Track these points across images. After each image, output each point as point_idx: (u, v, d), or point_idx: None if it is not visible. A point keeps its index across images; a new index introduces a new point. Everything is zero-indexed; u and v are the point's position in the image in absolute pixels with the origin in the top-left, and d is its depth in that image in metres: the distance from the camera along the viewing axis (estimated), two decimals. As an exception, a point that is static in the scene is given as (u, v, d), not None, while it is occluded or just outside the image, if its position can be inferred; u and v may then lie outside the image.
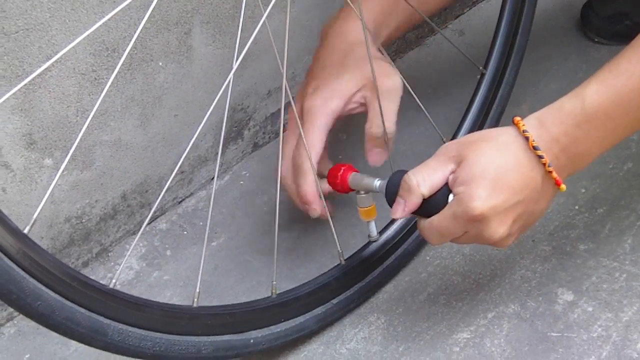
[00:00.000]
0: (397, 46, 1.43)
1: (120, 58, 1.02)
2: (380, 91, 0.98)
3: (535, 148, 0.85)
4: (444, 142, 1.02)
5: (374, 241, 1.05)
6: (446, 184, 0.88)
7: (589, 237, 1.11)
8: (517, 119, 0.87)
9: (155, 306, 0.87)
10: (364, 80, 0.99)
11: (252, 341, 0.95)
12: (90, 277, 0.84)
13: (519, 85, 1.19)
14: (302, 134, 0.98)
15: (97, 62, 1.03)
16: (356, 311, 1.06)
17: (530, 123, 0.87)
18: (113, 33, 1.03)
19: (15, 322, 1.08)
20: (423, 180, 0.88)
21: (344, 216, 1.11)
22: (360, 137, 1.03)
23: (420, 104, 1.02)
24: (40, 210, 0.75)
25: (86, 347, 0.82)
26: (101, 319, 0.81)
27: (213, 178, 1.25)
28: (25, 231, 0.75)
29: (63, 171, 1.05)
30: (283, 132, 1.03)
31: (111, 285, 0.83)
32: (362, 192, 0.97)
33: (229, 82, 0.86)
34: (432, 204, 0.89)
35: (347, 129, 1.22)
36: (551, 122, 0.86)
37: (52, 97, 1.00)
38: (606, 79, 0.85)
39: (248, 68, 1.22)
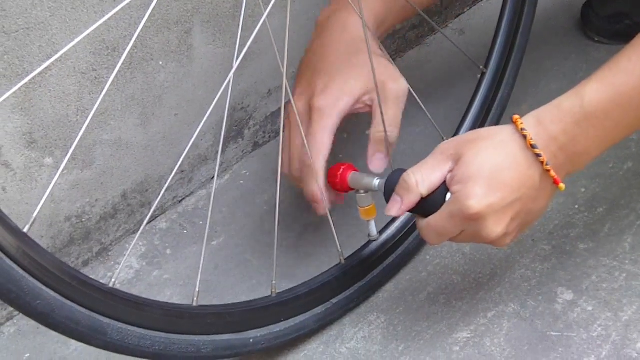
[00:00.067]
0: (397, 45, 1.43)
1: (120, 57, 1.02)
2: (387, 95, 0.97)
3: (533, 146, 0.85)
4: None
5: (374, 240, 1.05)
6: (444, 182, 0.88)
7: (589, 237, 1.11)
8: (516, 117, 0.87)
9: (154, 305, 0.87)
10: (372, 82, 0.98)
11: (251, 340, 0.95)
12: (91, 276, 0.84)
13: (519, 85, 1.19)
14: (310, 132, 0.96)
15: (98, 61, 1.03)
16: (356, 310, 1.06)
17: (529, 121, 0.87)
18: (113, 32, 1.03)
19: (15, 321, 1.08)
20: (422, 179, 0.88)
21: (343, 215, 1.11)
22: (359, 136, 1.03)
23: (420, 102, 1.02)
24: (41, 209, 0.75)
25: (86, 346, 0.82)
26: (101, 318, 0.80)
27: (213, 177, 1.25)
28: (25, 230, 0.75)
29: (63, 170, 1.06)
30: (284, 129, 1.02)
31: (111, 285, 0.83)
32: (362, 191, 0.97)
33: (229, 81, 0.86)
34: (429, 203, 0.89)
35: (348, 128, 1.22)
36: (550, 120, 0.86)
37: (53, 96, 1.01)
38: (606, 78, 0.85)
39: (248, 67, 1.22)
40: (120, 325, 0.82)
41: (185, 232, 1.19)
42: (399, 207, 0.90)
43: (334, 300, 1.03)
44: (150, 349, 0.85)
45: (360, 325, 1.04)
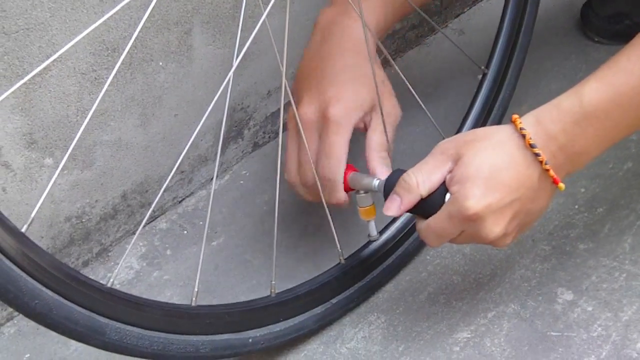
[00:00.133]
0: (397, 45, 1.43)
1: (120, 57, 1.02)
2: (384, 114, 0.98)
3: (531, 146, 0.85)
4: (444, 141, 1.02)
5: (374, 241, 1.05)
6: (443, 183, 0.88)
7: (589, 237, 1.10)
8: (515, 116, 0.87)
9: (153, 305, 0.87)
10: (375, 100, 0.97)
11: (250, 340, 0.95)
12: (90, 276, 0.84)
13: (519, 85, 1.19)
14: (328, 143, 0.95)
15: (98, 62, 1.03)
16: (356, 310, 1.06)
17: (528, 120, 0.86)
18: (113, 32, 1.03)
19: (15, 321, 1.09)
20: (423, 180, 0.88)
21: (343, 216, 1.11)
22: (359, 136, 1.02)
23: (420, 102, 1.02)
24: (41, 209, 0.76)
25: (86, 346, 0.82)
26: (99, 317, 0.80)
27: (213, 178, 1.25)
28: (23, 230, 0.75)
29: (63, 171, 1.06)
30: (288, 137, 1.01)
31: (109, 285, 0.83)
32: (362, 191, 0.97)
33: (229, 81, 0.86)
34: (428, 204, 0.89)
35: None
36: (549, 120, 0.86)
37: (53, 96, 1.01)
38: (605, 77, 0.85)
39: (248, 67, 1.22)
40: (119, 325, 0.82)
41: (185, 232, 1.19)
42: (397, 207, 0.89)
43: (334, 301, 1.03)
44: (148, 349, 0.85)
45: (360, 325, 1.04)
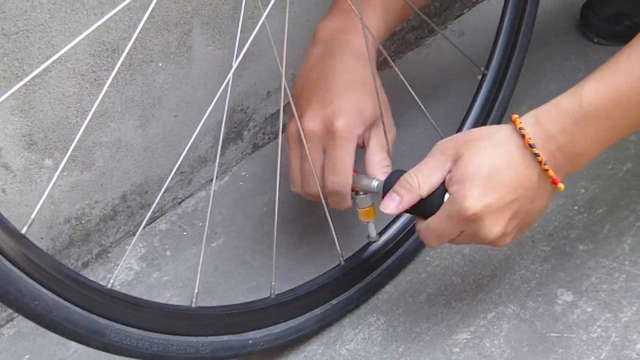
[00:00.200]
0: (397, 46, 1.43)
1: (120, 59, 1.02)
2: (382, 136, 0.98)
3: (531, 146, 0.85)
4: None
5: (374, 242, 1.05)
6: (442, 183, 0.88)
7: (589, 238, 1.10)
8: (515, 116, 0.87)
9: (153, 306, 0.87)
10: (375, 118, 0.97)
11: (250, 342, 0.95)
12: (90, 278, 0.84)
13: (519, 86, 1.19)
14: (334, 156, 0.95)
15: (97, 63, 1.03)
16: (356, 312, 1.06)
17: (527, 120, 0.86)
18: (113, 34, 1.03)
19: (15, 323, 1.08)
20: (423, 181, 0.88)
21: (343, 217, 1.11)
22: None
23: (420, 103, 1.02)
24: (40, 211, 0.76)
25: (85, 348, 0.82)
26: (99, 319, 0.80)
27: (213, 179, 1.25)
28: (23, 231, 0.75)
29: (63, 172, 1.06)
30: (288, 148, 1.00)
31: (109, 286, 0.83)
32: (361, 192, 0.97)
33: (229, 82, 0.86)
34: (427, 204, 0.89)
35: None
36: (548, 120, 0.86)
37: (52, 97, 1.01)
38: (604, 77, 0.85)
39: (247, 69, 1.22)
40: (119, 326, 0.82)
41: (185, 233, 1.19)
42: (396, 205, 0.89)
43: (334, 302, 1.03)
44: (148, 350, 0.85)
45: (360, 326, 1.04)
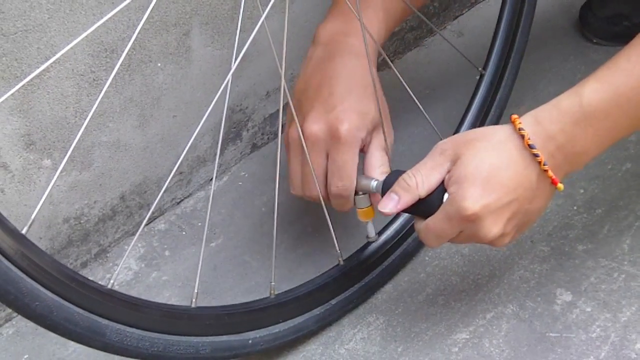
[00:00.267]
0: (396, 47, 1.43)
1: (118, 59, 1.02)
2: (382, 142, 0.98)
3: (530, 146, 0.85)
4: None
5: (373, 242, 1.05)
6: (441, 183, 0.88)
7: (588, 238, 1.11)
8: (514, 116, 0.87)
9: (153, 306, 0.87)
10: (376, 122, 0.97)
11: (250, 342, 0.95)
12: (89, 277, 0.84)
13: (518, 86, 1.19)
14: (338, 161, 0.95)
15: (96, 63, 1.03)
16: (355, 312, 1.06)
17: (527, 120, 0.86)
18: (112, 34, 1.03)
19: (14, 322, 1.08)
20: (422, 181, 0.88)
21: (342, 217, 1.11)
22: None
23: (418, 104, 1.02)
24: (39, 210, 0.75)
25: (85, 347, 0.82)
26: (99, 319, 0.80)
27: (212, 179, 1.25)
28: (23, 232, 0.75)
29: (62, 172, 1.06)
30: (289, 151, 1.00)
31: (109, 286, 0.83)
32: (360, 192, 0.97)
33: (228, 82, 0.86)
34: (427, 204, 0.89)
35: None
36: (548, 120, 0.86)
37: (51, 98, 1.01)
38: (605, 77, 0.85)
39: (247, 69, 1.22)
40: (119, 326, 0.82)
41: (184, 233, 1.19)
42: (394, 205, 0.89)
43: (333, 302, 1.03)
44: (148, 350, 0.85)
45: (359, 326, 1.04)
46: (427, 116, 1.05)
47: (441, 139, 1.02)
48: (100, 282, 0.84)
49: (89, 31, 0.75)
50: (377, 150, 0.98)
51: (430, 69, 1.42)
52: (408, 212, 0.91)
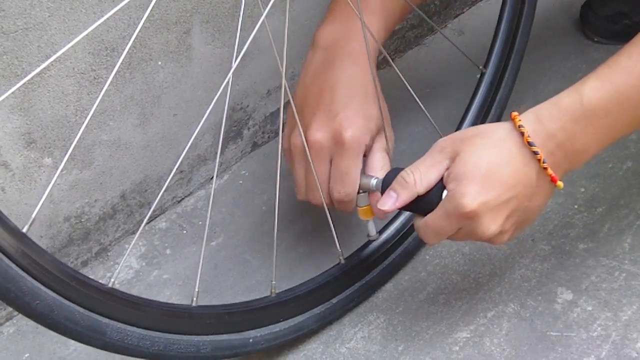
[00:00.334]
0: (397, 45, 1.43)
1: (119, 57, 1.02)
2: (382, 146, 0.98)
3: (530, 144, 0.85)
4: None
5: (373, 240, 1.05)
6: (440, 180, 0.88)
7: (588, 237, 1.11)
8: (515, 114, 0.87)
9: (154, 305, 0.87)
10: (379, 125, 0.97)
11: (251, 340, 0.95)
12: (90, 276, 0.84)
13: (518, 85, 1.19)
14: (342, 167, 0.95)
15: (97, 62, 1.03)
16: (356, 310, 1.06)
17: (527, 118, 0.86)
18: (112, 32, 1.03)
19: (15, 321, 1.08)
20: (420, 178, 0.88)
21: (343, 216, 1.11)
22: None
23: (419, 102, 1.02)
24: (40, 209, 0.75)
25: (85, 346, 0.82)
26: (100, 318, 0.80)
27: (212, 177, 1.25)
28: (24, 230, 0.75)
29: (62, 170, 1.06)
30: (292, 157, 0.99)
31: (110, 285, 0.83)
32: (361, 190, 0.97)
33: (228, 81, 0.86)
34: (425, 201, 0.89)
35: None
36: (548, 118, 0.86)
37: (52, 96, 1.00)
38: (605, 75, 0.85)
39: (247, 67, 1.22)
40: (120, 325, 0.82)
41: (185, 232, 1.19)
42: (393, 203, 0.89)
43: (334, 300, 1.03)
44: (149, 349, 0.85)
45: (359, 325, 1.04)
46: (427, 114, 1.05)
47: (441, 137, 1.02)
48: (101, 281, 0.84)
49: (89, 29, 0.75)
50: (379, 152, 0.98)
51: (431, 67, 1.42)
52: (407, 210, 0.91)
